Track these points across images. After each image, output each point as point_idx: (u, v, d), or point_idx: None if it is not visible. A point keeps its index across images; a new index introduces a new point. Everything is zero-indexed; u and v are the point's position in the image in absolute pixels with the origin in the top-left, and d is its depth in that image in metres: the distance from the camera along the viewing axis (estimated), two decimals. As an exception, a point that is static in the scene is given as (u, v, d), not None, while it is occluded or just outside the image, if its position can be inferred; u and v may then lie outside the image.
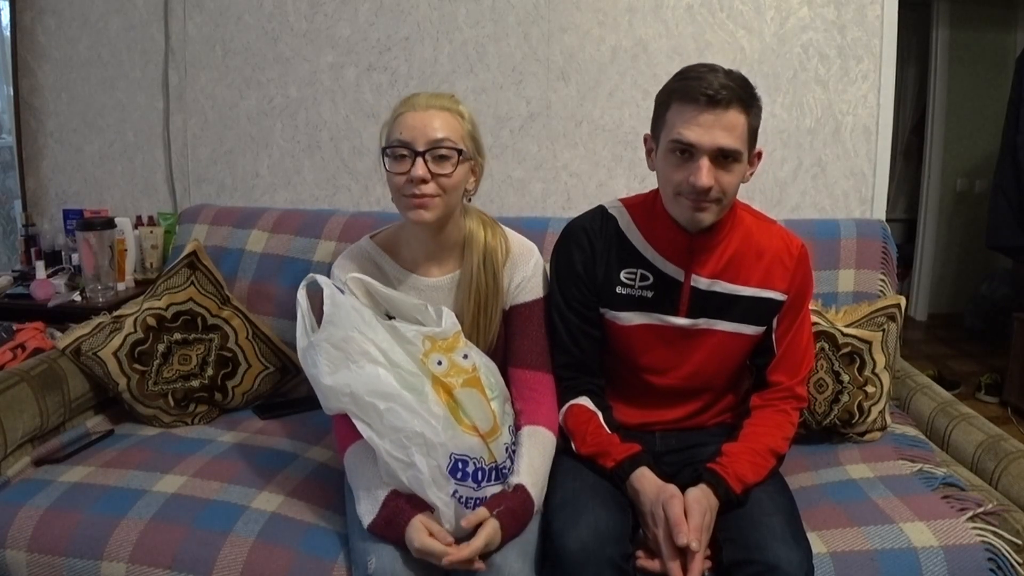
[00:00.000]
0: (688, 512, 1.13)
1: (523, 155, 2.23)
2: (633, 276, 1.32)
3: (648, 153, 1.30)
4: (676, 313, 1.31)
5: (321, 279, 1.24)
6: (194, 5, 2.30)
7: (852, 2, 2.06)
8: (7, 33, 2.39)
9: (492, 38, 2.19)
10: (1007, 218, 3.19)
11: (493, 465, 1.19)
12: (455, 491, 1.14)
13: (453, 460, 1.14)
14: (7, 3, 2.37)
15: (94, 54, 2.37)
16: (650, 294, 1.31)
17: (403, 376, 1.16)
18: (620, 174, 2.21)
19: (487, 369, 1.26)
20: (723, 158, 1.17)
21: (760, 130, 1.25)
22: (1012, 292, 3.81)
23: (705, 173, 1.17)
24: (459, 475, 1.14)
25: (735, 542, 1.13)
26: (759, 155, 1.26)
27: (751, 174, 1.26)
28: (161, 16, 2.31)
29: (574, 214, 1.64)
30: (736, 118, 1.16)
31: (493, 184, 2.25)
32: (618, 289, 1.33)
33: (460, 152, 1.25)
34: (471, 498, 1.15)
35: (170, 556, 1.20)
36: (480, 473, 1.16)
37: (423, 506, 1.13)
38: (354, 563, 1.15)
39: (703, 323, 1.32)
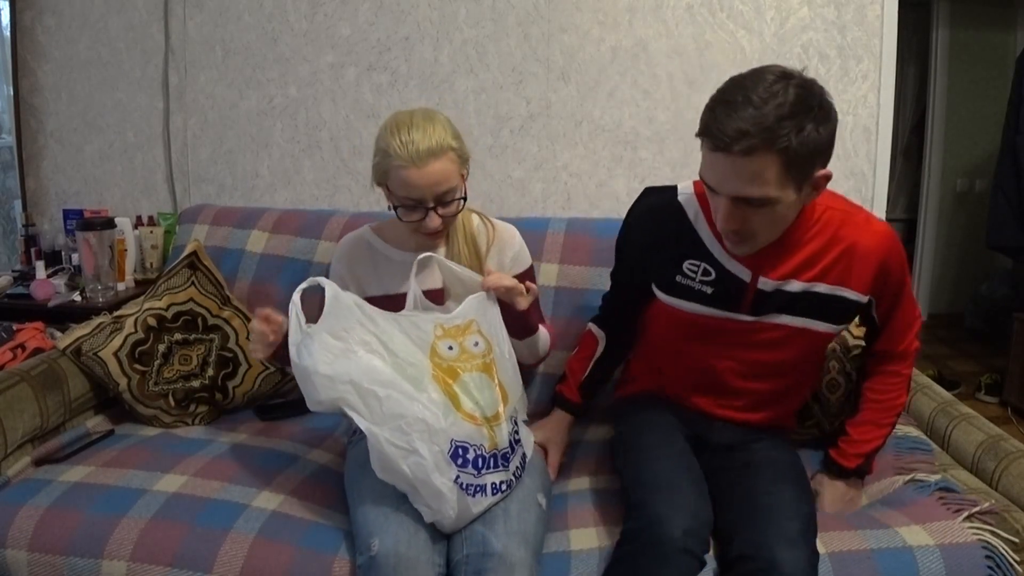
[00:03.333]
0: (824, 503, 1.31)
1: (523, 155, 2.24)
2: (695, 269, 1.27)
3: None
4: (738, 311, 1.26)
5: (324, 281, 1.25)
6: (194, 5, 2.30)
7: (852, 2, 2.06)
8: (7, 33, 2.39)
9: (492, 38, 2.19)
10: (1007, 218, 3.19)
11: (494, 451, 1.19)
12: (457, 476, 1.15)
13: (454, 446, 1.16)
14: (7, 3, 2.37)
15: (94, 54, 2.37)
16: (710, 290, 1.25)
17: (401, 366, 1.19)
18: (620, 174, 2.21)
19: (506, 361, 1.29)
20: (748, 203, 1.06)
21: (827, 180, 1.10)
22: (1012, 292, 3.81)
23: (724, 216, 1.09)
24: (460, 461, 1.16)
25: (746, 538, 1.13)
26: (826, 177, 1.09)
27: (816, 195, 1.13)
28: (161, 16, 2.31)
29: (574, 214, 1.65)
30: (760, 164, 1.01)
31: (493, 184, 2.25)
32: (678, 278, 1.28)
33: (463, 191, 1.34)
34: (471, 485, 1.16)
35: (171, 553, 1.20)
36: (480, 460, 1.17)
37: None
38: (357, 548, 1.15)
39: (769, 319, 1.26)
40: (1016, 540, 1.19)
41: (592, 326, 1.54)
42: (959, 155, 4.25)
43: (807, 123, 1.01)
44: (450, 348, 1.24)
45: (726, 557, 1.15)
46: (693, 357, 1.36)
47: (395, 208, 1.32)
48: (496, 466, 1.19)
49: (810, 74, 1.06)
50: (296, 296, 1.25)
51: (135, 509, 1.27)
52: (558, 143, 2.22)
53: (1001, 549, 1.17)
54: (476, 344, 1.26)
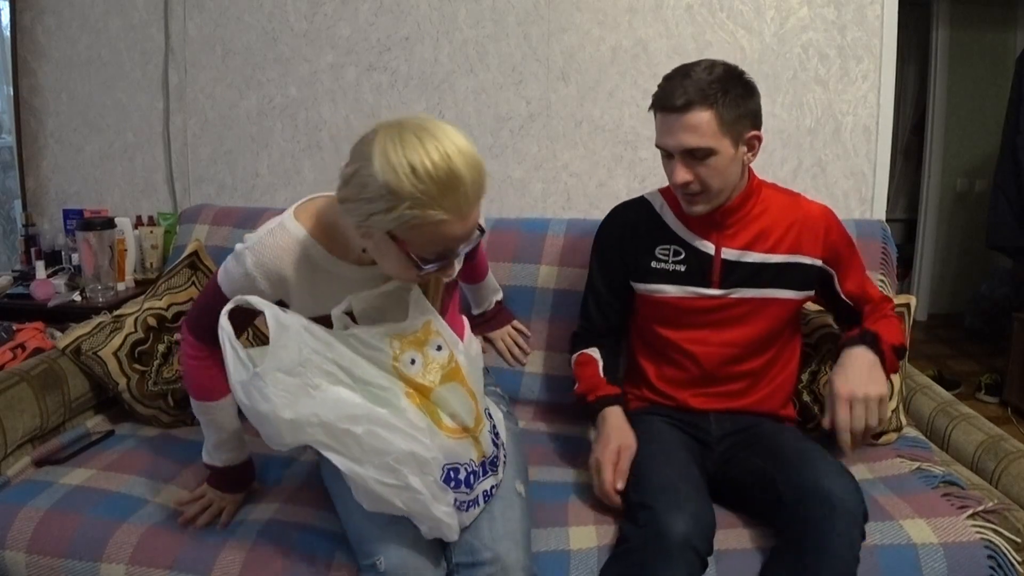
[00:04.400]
0: (848, 366, 1.30)
1: (523, 155, 2.23)
2: (667, 252, 1.43)
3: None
4: (709, 285, 1.40)
5: (256, 301, 1.06)
6: (194, 5, 2.30)
7: (852, 2, 2.06)
8: (7, 33, 2.39)
9: (492, 38, 2.19)
10: (1007, 218, 3.19)
11: (483, 460, 1.17)
12: (454, 499, 1.11)
13: (446, 471, 1.10)
14: (7, 3, 2.36)
15: (94, 54, 2.37)
16: (683, 268, 1.41)
17: (372, 392, 1.07)
18: (620, 174, 2.21)
19: (465, 356, 1.17)
20: (694, 156, 1.28)
21: (760, 130, 1.32)
22: (1012, 292, 3.80)
23: (677, 171, 1.30)
24: (453, 484, 1.11)
25: (787, 474, 1.18)
26: (757, 138, 1.33)
27: (752, 155, 1.34)
28: (161, 16, 2.31)
29: (574, 214, 1.65)
30: (698, 117, 1.25)
31: (493, 184, 2.25)
32: (653, 264, 1.44)
33: (482, 229, 1.09)
34: (465, 501, 1.13)
35: (170, 558, 1.20)
36: (472, 476, 1.14)
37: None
38: (358, 558, 1.14)
39: (737, 292, 1.40)
40: (1018, 540, 1.19)
41: (582, 352, 1.54)
42: (959, 155, 4.25)
43: (732, 90, 1.27)
44: (413, 362, 1.10)
45: (772, 507, 1.19)
46: (674, 348, 1.44)
47: (411, 260, 1.03)
48: (486, 474, 1.17)
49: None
50: (225, 321, 1.05)
51: (135, 515, 1.27)
52: (558, 143, 2.22)
53: (1003, 548, 1.17)
54: (439, 348, 1.14)
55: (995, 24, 4.13)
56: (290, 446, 1.05)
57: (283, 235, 1.13)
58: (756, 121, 1.33)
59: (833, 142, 2.13)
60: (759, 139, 1.34)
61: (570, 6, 2.15)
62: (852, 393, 1.26)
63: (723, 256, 1.39)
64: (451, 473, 1.11)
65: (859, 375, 1.28)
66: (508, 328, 1.74)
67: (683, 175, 1.29)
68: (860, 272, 1.49)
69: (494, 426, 1.25)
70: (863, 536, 1.13)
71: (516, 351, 1.74)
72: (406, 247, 1.01)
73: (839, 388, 1.27)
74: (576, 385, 1.51)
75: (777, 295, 1.41)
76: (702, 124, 1.25)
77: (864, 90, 2.09)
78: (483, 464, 1.17)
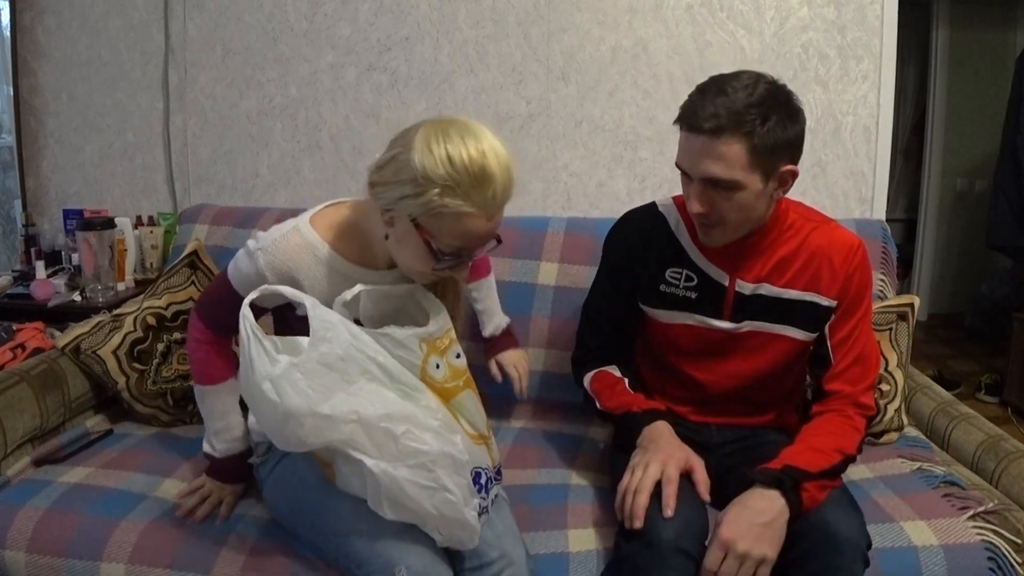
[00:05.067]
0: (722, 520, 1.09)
1: (523, 155, 2.23)
2: (678, 276, 1.31)
3: None
4: (720, 317, 1.30)
5: (290, 292, 1.07)
6: (194, 5, 2.30)
7: (852, 2, 2.06)
8: (7, 33, 2.39)
9: (492, 38, 2.19)
10: (1007, 218, 3.19)
11: (495, 468, 1.17)
12: (478, 504, 1.09)
13: (474, 474, 1.09)
14: (7, 3, 2.36)
15: (94, 54, 2.37)
16: (694, 295, 1.30)
17: (406, 392, 1.05)
18: (620, 174, 2.21)
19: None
20: (716, 186, 1.13)
21: (798, 163, 1.17)
22: (1012, 292, 3.80)
23: (695, 199, 1.16)
24: (477, 487, 1.10)
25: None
26: (792, 174, 1.16)
27: (783, 191, 1.19)
28: (161, 16, 2.31)
29: (574, 214, 1.64)
30: (728, 147, 1.09)
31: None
32: (662, 287, 1.32)
33: (499, 239, 1.11)
34: (484, 507, 1.12)
35: (170, 557, 1.20)
36: (489, 482, 1.14)
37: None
38: (366, 574, 1.08)
39: (747, 326, 1.30)
40: (1018, 541, 1.19)
41: (600, 369, 1.40)
42: (959, 155, 4.25)
43: (772, 115, 1.10)
44: (437, 367, 1.09)
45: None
46: (680, 375, 1.37)
47: (431, 251, 1.06)
48: (496, 482, 1.18)
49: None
50: (247, 310, 1.05)
51: (134, 512, 1.27)
52: (558, 143, 2.22)
53: (1004, 550, 1.17)
54: (458, 356, 1.14)
55: (995, 24, 4.13)
56: (309, 447, 1.03)
57: (297, 239, 1.15)
58: (795, 154, 1.16)
59: (833, 142, 2.12)
60: (794, 175, 1.16)
61: (570, 6, 2.15)
62: (731, 543, 1.05)
63: (737, 288, 1.28)
64: (477, 476, 1.11)
65: (751, 526, 1.06)
66: (521, 354, 1.61)
67: (699, 206, 1.15)
68: (860, 327, 1.28)
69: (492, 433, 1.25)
70: (867, 564, 1.08)
71: (525, 383, 1.56)
72: (427, 236, 1.04)
73: (723, 530, 1.07)
74: (598, 399, 1.36)
75: (788, 333, 1.29)
76: (730, 154, 1.09)
77: (864, 90, 2.09)
78: (495, 470, 1.18)
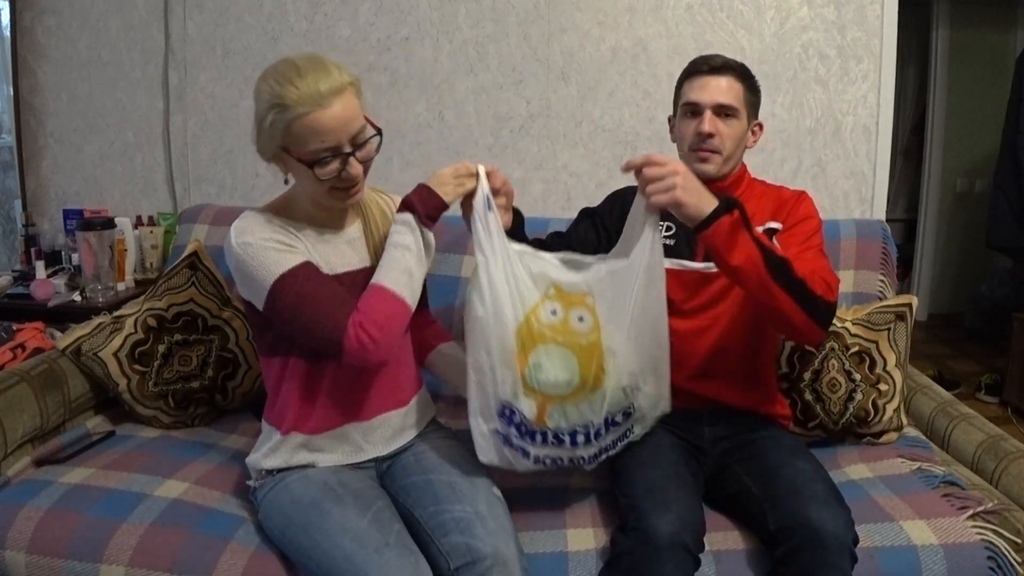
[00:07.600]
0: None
1: (523, 155, 2.23)
2: (660, 227, 1.39)
3: (671, 130, 1.54)
4: (693, 257, 1.46)
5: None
6: (194, 5, 2.30)
7: (852, 2, 2.06)
8: (7, 33, 2.39)
9: (492, 38, 2.19)
10: (1007, 218, 3.19)
11: (532, 427, 1.20)
12: (498, 431, 1.20)
13: (501, 406, 1.19)
14: (7, 3, 2.36)
15: (94, 54, 2.37)
16: (672, 241, 1.47)
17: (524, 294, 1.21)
18: (620, 174, 2.20)
19: (620, 348, 1.23)
20: (722, 114, 1.42)
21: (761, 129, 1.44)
22: (1012, 292, 3.80)
23: (707, 121, 1.41)
24: (506, 421, 1.20)
25: (778, 509, 1.16)
26: (760, 126, 1.51)
27: (754, 142, 1.50)
28: (161, 16, 2.31)
29: (574, 214, 1.64)
30: (732, 83, 1.43)
31: (493, 184, 2.24)
32: None
33: (378, 130, 1.20)
34: (514, 443, 1.20)
35: (170, 560, 1.20)
36: (523, 426, 1.20)
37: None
38: None
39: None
40: (1018, 540, 1.19)
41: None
42: (959, 155, 4.25)
43: (751, 78, 1.47)
44: (553, 312, 1.20)
45: (765, 535, 1.18)
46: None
47: (310, 167, 1.14)
48: (533, 439, 1.21)
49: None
50: (483, 175, 1.23)
51: (135, 514, 1.27)
52: (558, 143, 2.22)
53: (1003, 549, 1.17)
54: (580, 320, 1.22)
55: (995, 24, 4.13)
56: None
57: (253, 215, 1.24)
58: (758, 114, 1.51)
59: (833, 142, 2.13)
60: (761, 128, 1.52)
61: (570, 6, 2.15)
62: (677, 169, 1.20)
63: None
64: (506, 411, 1.19)
65: (697, 184, 1.22)
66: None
67: (712, 125, 1.40)
68: (810, 245, 1.39)
69: (605, 427, 1.27)
70: (855, 561, 1.11)
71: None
72: (299, 156, 1.15)
73: (680, 164, 1.23)
74: None
75: None
76: (734, 87, 1.42)
77: (864, 90, 2.09)
78: (539, 431, 1.21)
